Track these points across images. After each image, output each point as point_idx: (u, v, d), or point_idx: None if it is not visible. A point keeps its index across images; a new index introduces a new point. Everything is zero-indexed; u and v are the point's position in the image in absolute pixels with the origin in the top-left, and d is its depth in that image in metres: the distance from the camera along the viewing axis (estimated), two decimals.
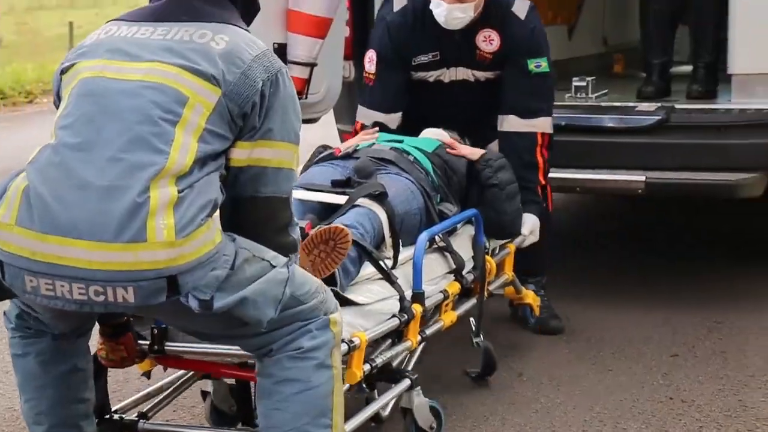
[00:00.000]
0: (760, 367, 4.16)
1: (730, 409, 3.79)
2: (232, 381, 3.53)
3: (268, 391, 2.80)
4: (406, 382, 3.37)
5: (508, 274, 4.20)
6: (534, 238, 4.31)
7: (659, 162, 4.78)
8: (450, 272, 3.77)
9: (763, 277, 5.31)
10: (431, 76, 4.47)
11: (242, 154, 2.71)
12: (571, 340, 4.52)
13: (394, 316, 3.35)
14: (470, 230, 3.96)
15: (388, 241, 3.54)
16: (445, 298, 3.66)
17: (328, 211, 3.58)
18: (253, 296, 2.63)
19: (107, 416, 3.19)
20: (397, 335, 3.42)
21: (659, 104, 5.13)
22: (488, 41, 4.36)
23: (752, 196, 4.67)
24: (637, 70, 6.30)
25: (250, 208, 2.75)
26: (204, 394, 3.62)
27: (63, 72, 2.79)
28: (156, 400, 3.40)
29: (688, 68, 5.76)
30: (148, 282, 2.52)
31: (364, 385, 3.38)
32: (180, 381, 3.48)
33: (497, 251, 4.17)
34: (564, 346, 4.46)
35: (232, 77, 2.67)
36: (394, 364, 3.45)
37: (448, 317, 3.70)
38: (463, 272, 3.79)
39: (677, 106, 5.09)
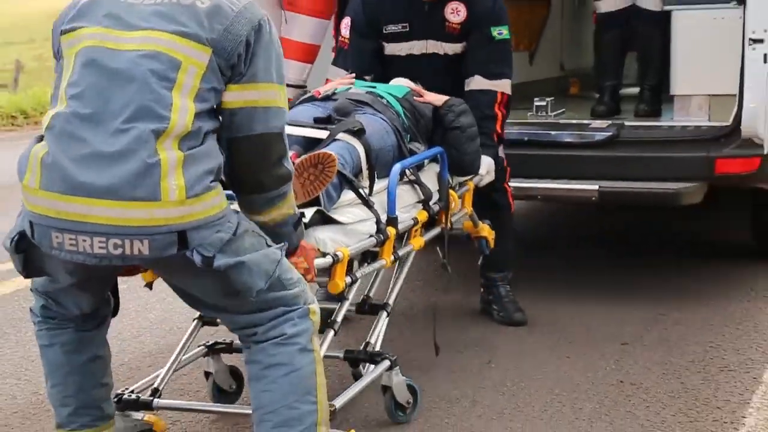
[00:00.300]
0: (699, 354, 4.19)
1: (673, 391, 3.82)
2: (232, 363, 3.56)
3: (256, 376, 2.81)
4: (386, 363, 3.41)
5: (468, 208, 4.21)
6: (490, 177, 4.28)
7: (611, 173, 4.81)
8: (419, 202, 3.79)
9: (702, 275, 5.36)
10: (402, 49, 4.43)
11: (232, 96, 2.71)
12: (534, 331, 4.54)
13: (371, 236, 3.38)
14: (436, 167, 3.95)
15: (365, 172, 3.53)
16: (415, 224, 3.69)
17: (311, 145, 3.54)
18: (249, 263, 2.66)
19: (124, 396, 3.23)
20: (372, 256, 3.46)
21: (610, 122, 5.18)
22: (455, 12, 4.33)
23: (693, 203, 4.72)
24: (590, 92, 6.34)
25: (247, 146, 2.74)
26: (207, 374, 3.66)
27: (63, 33, 2.75)
28: (164, 381, 3.40)
29: (636, 90, 5.82)
30: (161, 236, 2.56)
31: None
32: (184, 358, 3.49)
33: (458, 188, 4.14)
34: (528, 336, 4.48)
35: (217, 35, 2.66)
36: (372, 341, 3.48)
37: (417, 242, 3.73)
38: (430, 203, 3.80)
39: (626, 123, 5.14)
